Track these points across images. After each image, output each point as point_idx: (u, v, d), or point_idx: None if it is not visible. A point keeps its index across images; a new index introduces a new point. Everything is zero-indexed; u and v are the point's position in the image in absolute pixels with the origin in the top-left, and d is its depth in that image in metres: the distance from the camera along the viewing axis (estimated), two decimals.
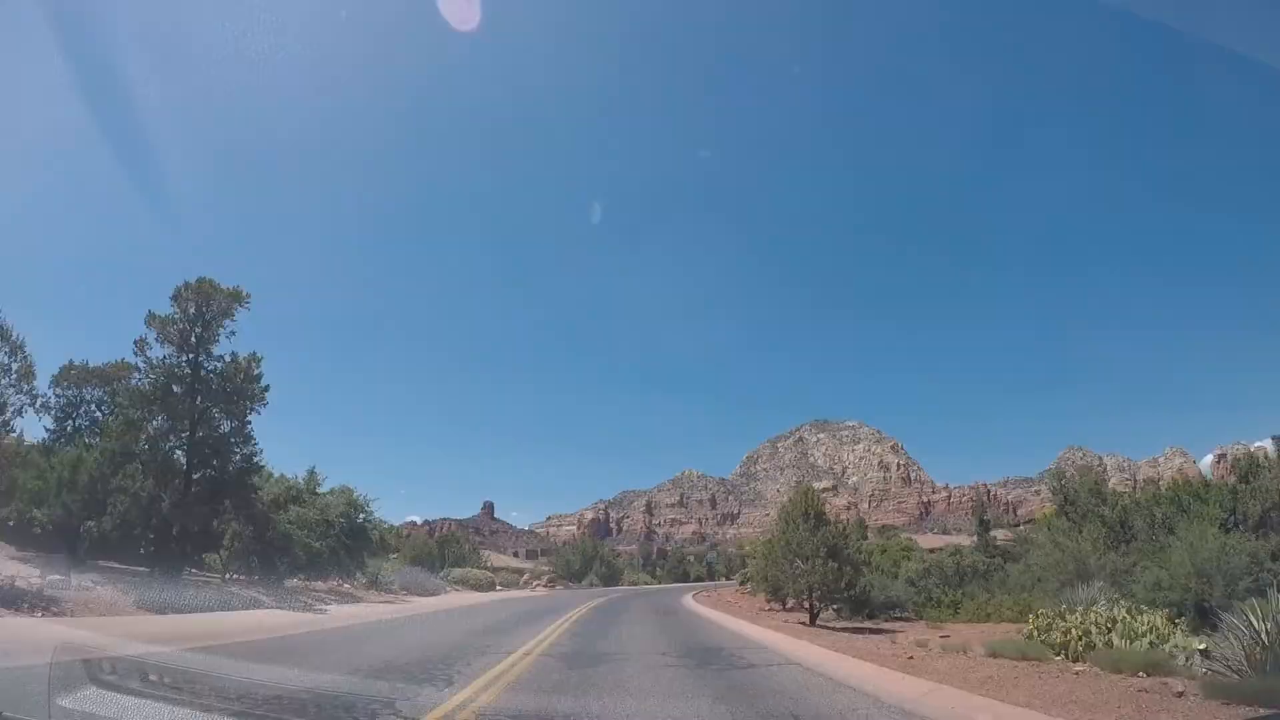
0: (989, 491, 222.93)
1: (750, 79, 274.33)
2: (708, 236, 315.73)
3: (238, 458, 23.55)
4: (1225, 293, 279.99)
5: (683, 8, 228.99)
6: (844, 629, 23.44)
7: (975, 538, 55.77)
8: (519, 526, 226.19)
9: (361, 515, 27.29)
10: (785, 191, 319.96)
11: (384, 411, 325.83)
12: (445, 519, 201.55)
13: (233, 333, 24.91)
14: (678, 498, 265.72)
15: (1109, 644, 12.62)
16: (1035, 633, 13.65)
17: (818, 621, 23.78)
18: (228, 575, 23.79)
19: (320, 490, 27.16)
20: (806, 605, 24.03)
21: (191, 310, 24.09)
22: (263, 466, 23.94)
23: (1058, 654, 12.64)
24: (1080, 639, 12.96)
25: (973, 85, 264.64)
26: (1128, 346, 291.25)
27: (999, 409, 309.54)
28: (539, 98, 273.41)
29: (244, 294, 24.87)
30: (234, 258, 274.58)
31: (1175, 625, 13.01)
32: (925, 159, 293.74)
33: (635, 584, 78.38)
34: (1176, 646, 11.09)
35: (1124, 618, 13.32)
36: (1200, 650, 10.40)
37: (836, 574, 22.46)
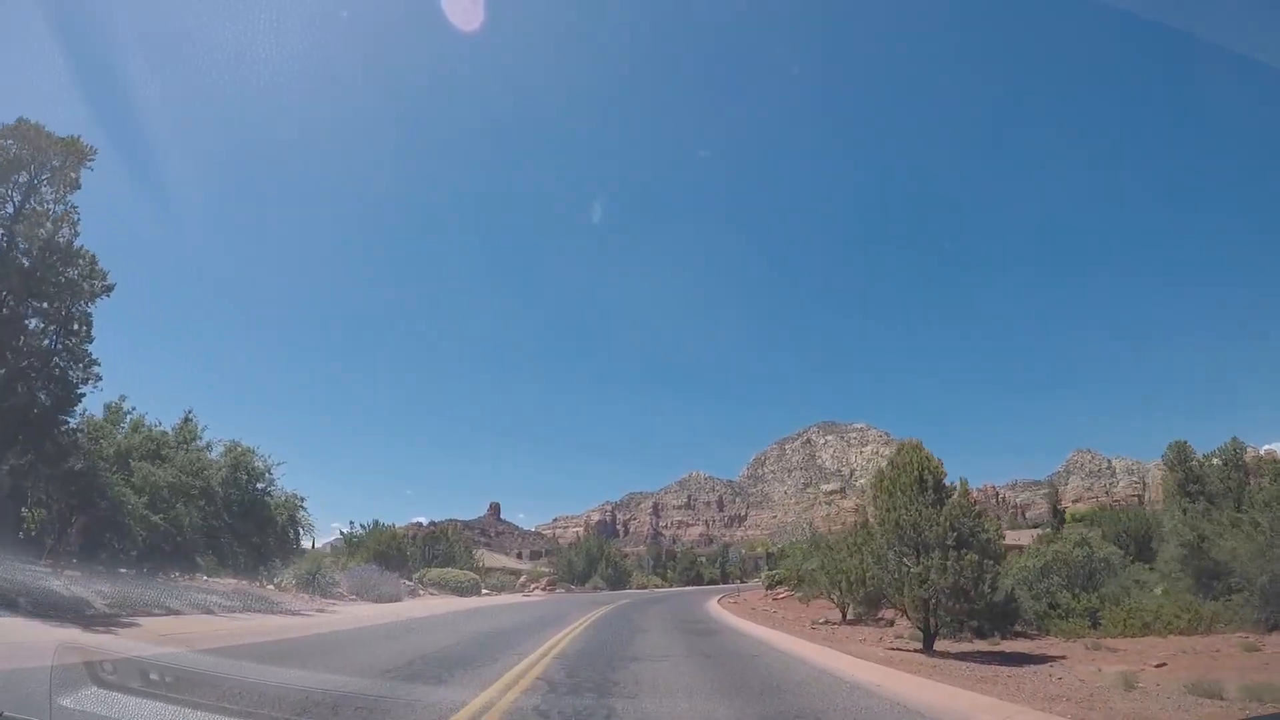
0: (997, 494, 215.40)
1: (750, 79, 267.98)
2: (713, 236, 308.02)
3: (56, 385, 15.39)
4: (1229, 294, 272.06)
5: (684, 9, 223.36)
6: (966, 655, 15.13)
7: (1046, 531, 47.59)
8: (525, 528, 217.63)
9: (260, 484, 18.88)
10: (789, 191, 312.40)
11: (389, 413, 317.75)
12: (451, 520, 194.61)
13: (74, 207, 16.92)
14: (685, 499, 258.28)
15: None
16: None
17: (934, 646, 15.49)
18: (46, 559, 15.51)
19: (200, 446, 18.81)
20: (920, 621, 15.62)
21: (6, 161, 16.05)
22: (84, 395, 15.58)
23: None
24: None
25: (973, 85, 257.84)
26: (1134, 348, 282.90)
27: (1005, 411, 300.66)
28: (541, 97, 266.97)
29: (86, 147, 16.86)
30: (234, 257, 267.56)
31: None
32: (929, 159, 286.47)
33: (645, 587, 70.06)
34: None
35: None
36: None
37: (976, 571, 14.12)
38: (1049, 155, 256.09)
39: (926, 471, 15.50)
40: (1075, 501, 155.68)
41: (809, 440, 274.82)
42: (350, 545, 47.57)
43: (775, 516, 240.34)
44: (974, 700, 7.96)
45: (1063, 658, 15.00)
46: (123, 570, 16.95)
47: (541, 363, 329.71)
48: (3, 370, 15.11)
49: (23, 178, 16.77)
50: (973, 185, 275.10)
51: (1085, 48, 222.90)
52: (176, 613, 14.63)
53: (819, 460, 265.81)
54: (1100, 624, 20.01)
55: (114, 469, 15.59)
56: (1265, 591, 17.57)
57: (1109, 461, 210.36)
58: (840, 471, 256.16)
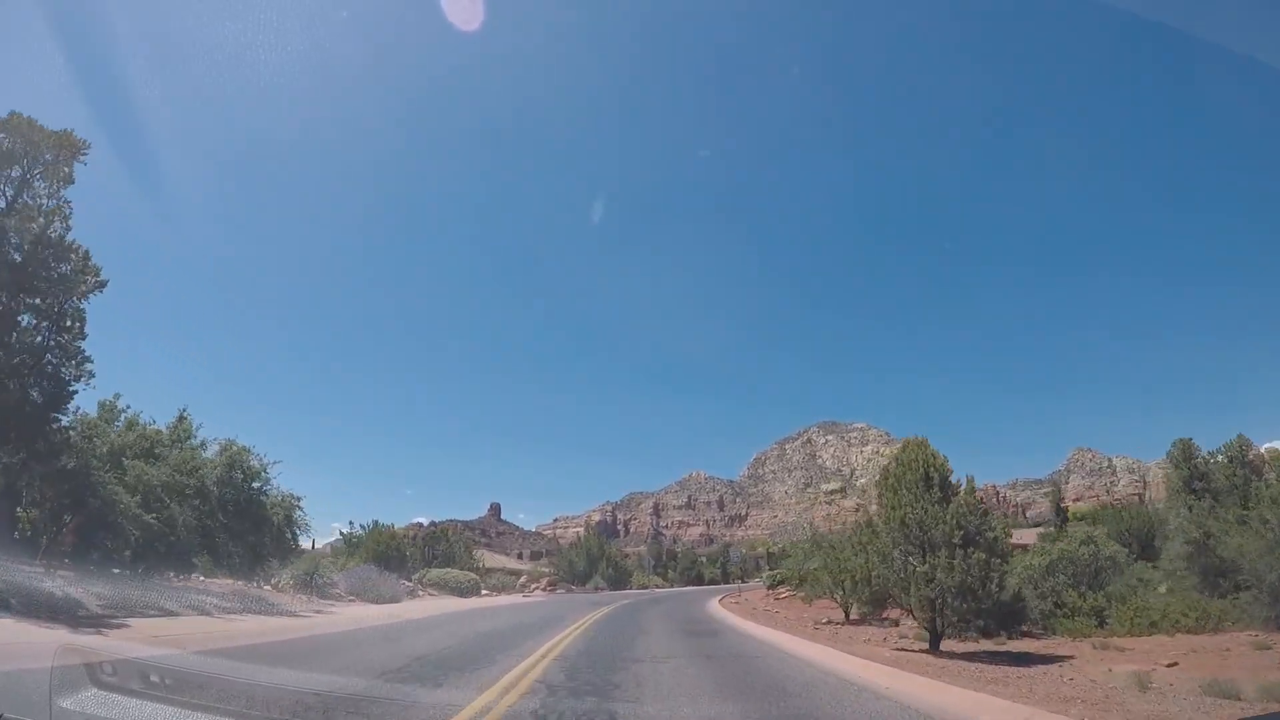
0: (997, 493, 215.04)
1: (750, 79, 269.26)
2: (713, 236, 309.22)
3: (48, 382, 15.17)
4: (1230, 293, 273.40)
5: (684, 9, 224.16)
6: (973, 655, 14.89)
7: (1049, 530, 47.30)
8: (526, 528, 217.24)
9: (256, 483, 18.61)
10: (789, 191, 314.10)
11: (389, 413, 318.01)
12: (451, 520, 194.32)
13: (66, 201, 16.66)
14: (685, 500, 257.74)
15: None
16: None
17: (940, 646, 15.24)
18: (39, 559, 15.28)
19: (195, 444, 18.55)
20: (927, 621, 15.36)
21: None
22: (76, 392, 15.32)
23: None
24: None
25: (973, 85, 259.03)
26: (1134, 347, 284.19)
27: (1006, 411, 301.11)
28: (541, 97, 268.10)
29: (79, 141, 16.61)
30: (233, 256, 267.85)
31: None
32: (929, 158, 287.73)
33: (645, 587, 69.82)
34: None
35: None
36: None
37: (983, 570, 13.87)
38: (1049, 155, 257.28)
39: (932, 469, 15.21)
40: (1076, 500, 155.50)
41: (809, 440, 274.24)
42: (349, 546, 47.32)
43: (776, 516, 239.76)
44: (988, 703, 7.73)
45: (1071, 657, 14.77)
46: (116, 570, 16.66)
47: (542, 363, 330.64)
48: None
49: (15, 172, 16.56)
50: (973, 185, 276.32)
51: (1085, 48, 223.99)
52: (171, 614, 14.38)
53: (819, 460, 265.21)
54: (1107, 623, 19.77)
55: (107, 468, 15.31)
56: (1275, 589, 17.36)
57: (1109, 460, 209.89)
58: (840, 471, 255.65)
